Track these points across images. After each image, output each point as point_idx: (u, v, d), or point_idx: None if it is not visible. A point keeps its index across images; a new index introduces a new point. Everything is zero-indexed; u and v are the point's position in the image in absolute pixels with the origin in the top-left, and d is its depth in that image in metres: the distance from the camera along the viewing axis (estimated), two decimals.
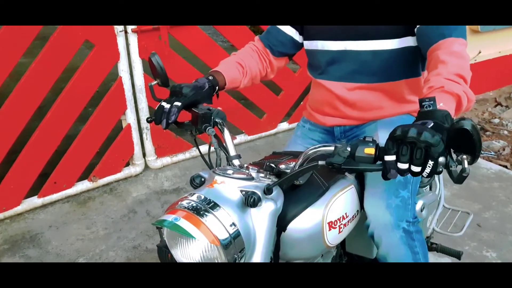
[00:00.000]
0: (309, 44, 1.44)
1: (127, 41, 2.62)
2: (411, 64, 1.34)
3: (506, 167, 3.04)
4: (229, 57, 1.48)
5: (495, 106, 4.02)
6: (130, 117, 2.81)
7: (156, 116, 1.20)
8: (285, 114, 3.45)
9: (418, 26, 1.21)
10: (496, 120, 3.74)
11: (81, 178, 2.77)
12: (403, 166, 0.83)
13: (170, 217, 0.93)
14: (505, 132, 3.55)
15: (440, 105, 0.92)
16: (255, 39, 1.53)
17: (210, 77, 1.33)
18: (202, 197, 0.96)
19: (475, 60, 3.68)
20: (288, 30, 1.47)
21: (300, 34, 1.47)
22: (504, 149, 3.28)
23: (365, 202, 1.25)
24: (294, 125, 3.25)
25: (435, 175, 0.86)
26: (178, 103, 1.18)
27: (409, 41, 1.28)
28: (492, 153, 3.22)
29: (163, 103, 1.20)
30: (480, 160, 3.08)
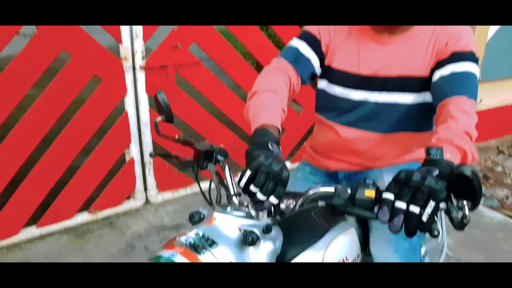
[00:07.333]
0: (327, 87, 1.41)
1: (135, 77, 2.67)
2: (426, 118, 1.36)
3: (510, 216, 3.00)
4: (275, 99, 1.24)
5: (498, 154, 4.02)
6: (133, 151, 2.82)
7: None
8: (288, 153, 3.46)
9: (434, 80, 1.23)
10: (499, 168, 3.73)
11: (81, 210, 2.76)
12: (401, 204, 0.80)
13: (167, 253, 0.92)
14: (508, 180, 3.53)
15: (447, 156, 0.92)
16: (283, 64, 1.34)
17: (277, 145, 1.06)
18: (200, 233, 0.96)
19: (477, 108, 3.71)
20: (316, 61, 1.38)
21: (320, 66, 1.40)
22: (507, 198, 3.25)
23: (372, 245, 1.23)
24: (296, 164, 3.26)
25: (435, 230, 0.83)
26: (276, 201, 0.94)
27: (426, 97, 1.30)
28: (496, 201, 3.19)
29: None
30: (483, 208, 3.06)
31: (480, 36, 3.56)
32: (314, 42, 1.38)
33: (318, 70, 1.40)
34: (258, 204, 0.98)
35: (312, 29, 1.40)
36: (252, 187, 0.92)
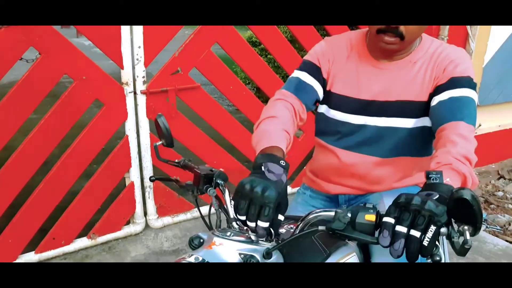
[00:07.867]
0: (327, 111, 1.43)
1: (136, 101, 2.69)
2: (425, 143, 1.36)
3: None
4: (274, 123, 1.28)
5: (498, 178, 4.02)
6: (134, 175, 2.82)
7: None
8: (288, 178, 3.44)
9: (432, 105, 1.24)
10: (500, 193, 3.72)
11: (80, 235, 2.74)
12: (401, 229, 0.80)
13: None
14: (510, 205, 3.52)
15: (447, 180, 0.92)
16: (285, 94, 1.37)
17: (283, 162, 1.07)
18: (200, 258, 0.95)
19: (476, 133, 3.72)
20: (318, 87, 1.39)
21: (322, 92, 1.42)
22: (510, 224, 3.22)
23: None
24: (296, 188, 3.25)
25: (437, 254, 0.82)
26: (264, 224, 0.93)
27: (425, 122, 1.31)
28: (498, 227, 3.17)
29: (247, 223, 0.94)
30: (486, 234, 3.03)
31: (477, 61, 3.60)
32: (314, 70, 1.40)
33: (321, 96, 1.42)
34: (255, 231, 0.97)
35: (311, 58, 1.42)
36: (239, 216, 0.94)
